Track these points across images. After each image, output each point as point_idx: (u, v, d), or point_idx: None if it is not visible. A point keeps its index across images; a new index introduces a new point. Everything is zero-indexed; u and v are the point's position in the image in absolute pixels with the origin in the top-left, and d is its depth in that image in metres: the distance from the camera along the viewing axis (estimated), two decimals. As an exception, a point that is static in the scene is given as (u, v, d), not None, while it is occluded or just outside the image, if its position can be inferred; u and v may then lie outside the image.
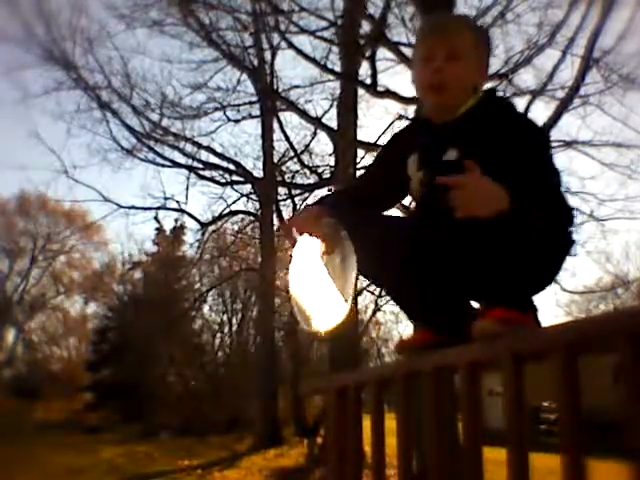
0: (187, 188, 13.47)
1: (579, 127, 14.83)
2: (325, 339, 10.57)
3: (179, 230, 18.00)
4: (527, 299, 1.46)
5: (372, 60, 9.24)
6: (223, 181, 13.52)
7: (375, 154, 1.94)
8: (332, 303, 1.51)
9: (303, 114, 11.12)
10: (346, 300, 1.48)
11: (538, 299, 1.53)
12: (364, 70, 10.28)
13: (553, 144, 10.36)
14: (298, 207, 13.30)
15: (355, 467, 1.74)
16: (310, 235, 1.55)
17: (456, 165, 1.39)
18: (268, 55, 12.54)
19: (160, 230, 18.52)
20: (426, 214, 1.55)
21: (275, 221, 13.41)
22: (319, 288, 1.55)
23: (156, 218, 15.28)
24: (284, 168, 13.60)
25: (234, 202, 13.74)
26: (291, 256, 1.63)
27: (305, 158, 12.90)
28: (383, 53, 9.86)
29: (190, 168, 13.30)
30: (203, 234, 13.96)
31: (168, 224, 18.40)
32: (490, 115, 1.50)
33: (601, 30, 8.58)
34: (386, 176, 1.69)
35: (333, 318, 1.50)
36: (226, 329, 18.76)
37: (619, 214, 10.73)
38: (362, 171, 2.07)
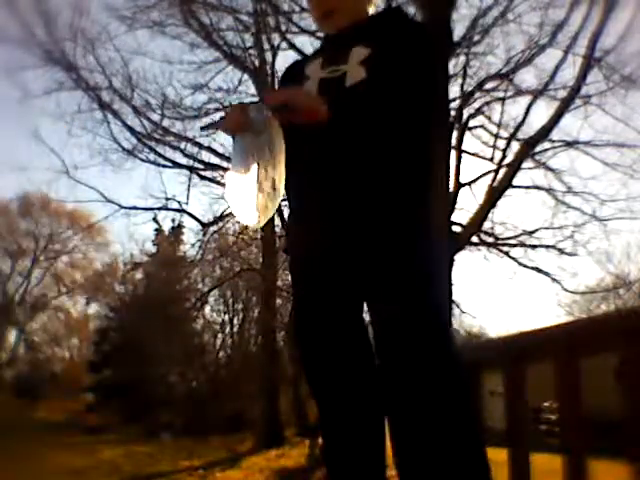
0: (188, 189, 13.46)
1: (580, 127, 14.82)
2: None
3: (178, 230, 17.99)
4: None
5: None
6: (224, 182, 13.49)
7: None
8: (256, 196, 1.37)
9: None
10: (274, 189, 1.35)
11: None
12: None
13: (555, 144, 10.37)
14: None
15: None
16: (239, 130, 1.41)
17: (369, 60, 1.41)
18: (269, 56, 12.54)
19: (159, 231, 18.51)
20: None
21: (277, 221, 13.40)
22: (246, 181, 1.40)
23: (155, 219, 15.25)
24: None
25: (235, 202, 13.74)
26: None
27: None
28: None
29: (191, 169, 13.29)
30: (204, 234, 13.96)
31: (167, 225, 18.39)
32: (390, 22, 1.51)
33: (602, 30, 8.57)
34: None
35: (258, 212, 1.38)
36: (227, 329, 18.78)
37: (621, 214, 10.70)
38: None
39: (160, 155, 13.19)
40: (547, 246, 11.02)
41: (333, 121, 1.36)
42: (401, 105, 1.38)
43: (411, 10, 8.88)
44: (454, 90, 9.91)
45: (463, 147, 10.39)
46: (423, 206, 1.45)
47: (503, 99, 10.47)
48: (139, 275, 19.53)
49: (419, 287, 1.34)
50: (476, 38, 9.68)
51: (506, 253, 11.32)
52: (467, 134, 10.79)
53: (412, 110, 1.39)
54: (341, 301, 1.43)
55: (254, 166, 1.36)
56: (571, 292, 12.93)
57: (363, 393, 1.40)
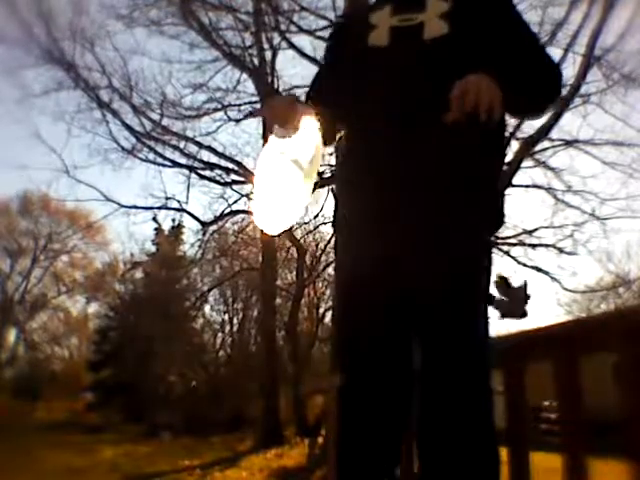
0: (188, 188, 13.47)
1: (580, 126, 14.82)
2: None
3: (178, 230, 18.00)
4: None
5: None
6: (224, 181, 13.52)
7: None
8: (287, 201, 1.31)
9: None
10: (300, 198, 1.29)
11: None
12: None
13: (554, 143, 10.37)
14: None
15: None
16: (285, 122, 1.31)
17: (450, 15, 1.32)
18: (269, 55, 12.54)
19: (159, 230, 18.51)
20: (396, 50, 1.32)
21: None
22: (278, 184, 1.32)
23: (154, 218, 15.26)
24: (285, 168, 13.60)
25: (235, 202, 13.73)
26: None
27: (306, 158, 12.85)
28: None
29: (191, 168, 13.30)
30: (204, 234, 13.96)
31: (166, 224, 18.40)
32: None
33: (602, 28, 8.59)
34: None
35: (283, 218, 1.32)
36: (227, 329, 18.80)
37: (620, 213, 10.73)
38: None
39: (159, 154, 13.21)
40: (547, 245, 11.04)
41: (413, 77, 1.28)
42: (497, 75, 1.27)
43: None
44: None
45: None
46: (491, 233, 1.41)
47: (503, 98, 10.47)
48: (139, 274, 19.55)
49: (475, 322, 1.25)
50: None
51: (506, 252, 11.32)
52: (467, 133, 10.80)
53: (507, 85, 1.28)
54: (391, 324, 1.35)
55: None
56: (571, 291, 12.98)
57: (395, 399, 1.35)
